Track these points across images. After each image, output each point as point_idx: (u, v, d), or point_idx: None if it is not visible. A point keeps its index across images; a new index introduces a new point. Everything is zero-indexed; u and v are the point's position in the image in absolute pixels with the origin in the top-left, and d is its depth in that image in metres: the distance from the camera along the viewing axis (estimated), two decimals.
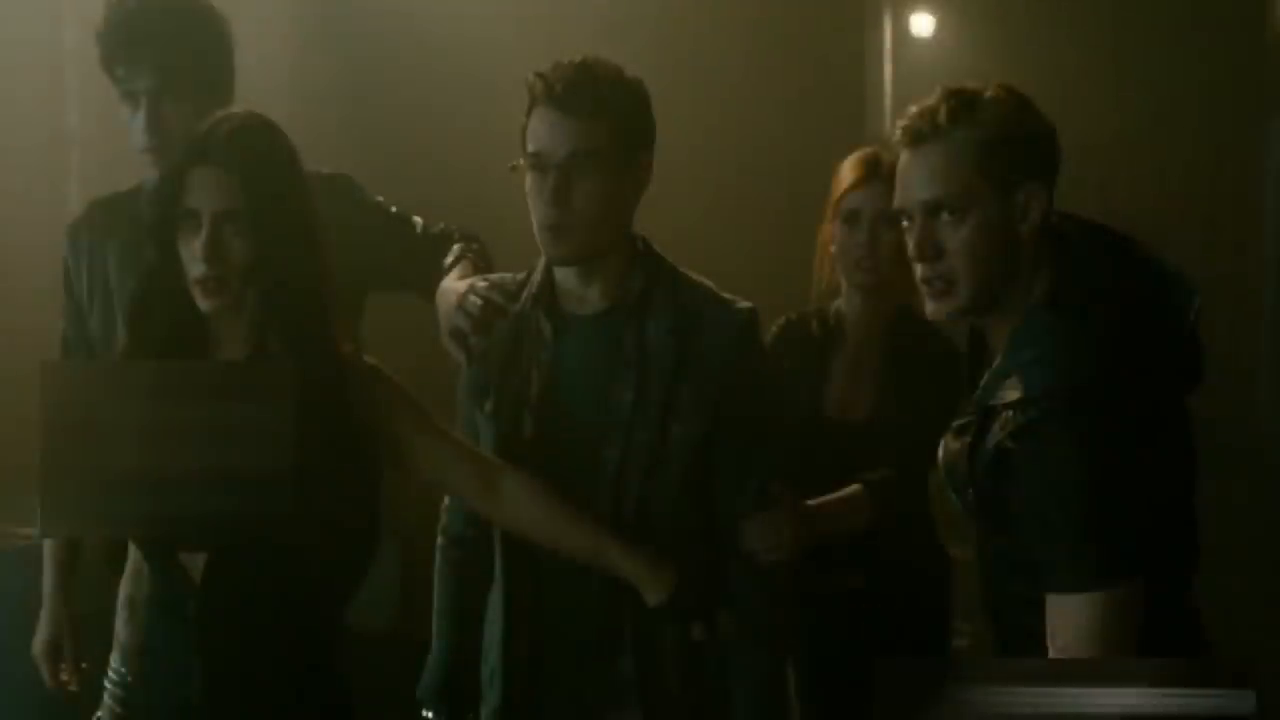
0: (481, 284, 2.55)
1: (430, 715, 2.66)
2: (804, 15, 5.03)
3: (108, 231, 2.90)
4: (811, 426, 3.03)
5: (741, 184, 4.93)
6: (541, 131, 2.39)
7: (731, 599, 2.48)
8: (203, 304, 2.23)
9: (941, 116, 2.13)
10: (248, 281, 2.23)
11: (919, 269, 2.18)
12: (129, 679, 2.77)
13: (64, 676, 3.05)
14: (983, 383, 2.20)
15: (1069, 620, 2.04)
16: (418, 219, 2.91)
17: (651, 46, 4.10)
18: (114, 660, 2.85)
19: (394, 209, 2.92)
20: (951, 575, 3.19)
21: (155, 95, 2.71)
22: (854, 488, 2.93)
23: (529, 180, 2.41)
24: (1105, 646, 2.02)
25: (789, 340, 3.13)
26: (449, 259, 2.73)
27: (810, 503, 2.78)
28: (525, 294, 2.53)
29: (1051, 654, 2.06)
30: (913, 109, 2.18)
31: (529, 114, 2.42)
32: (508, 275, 2.59)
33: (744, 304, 2.51)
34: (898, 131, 2.19)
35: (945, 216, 2.14)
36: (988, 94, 2.16)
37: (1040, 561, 2.08)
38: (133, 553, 2.48)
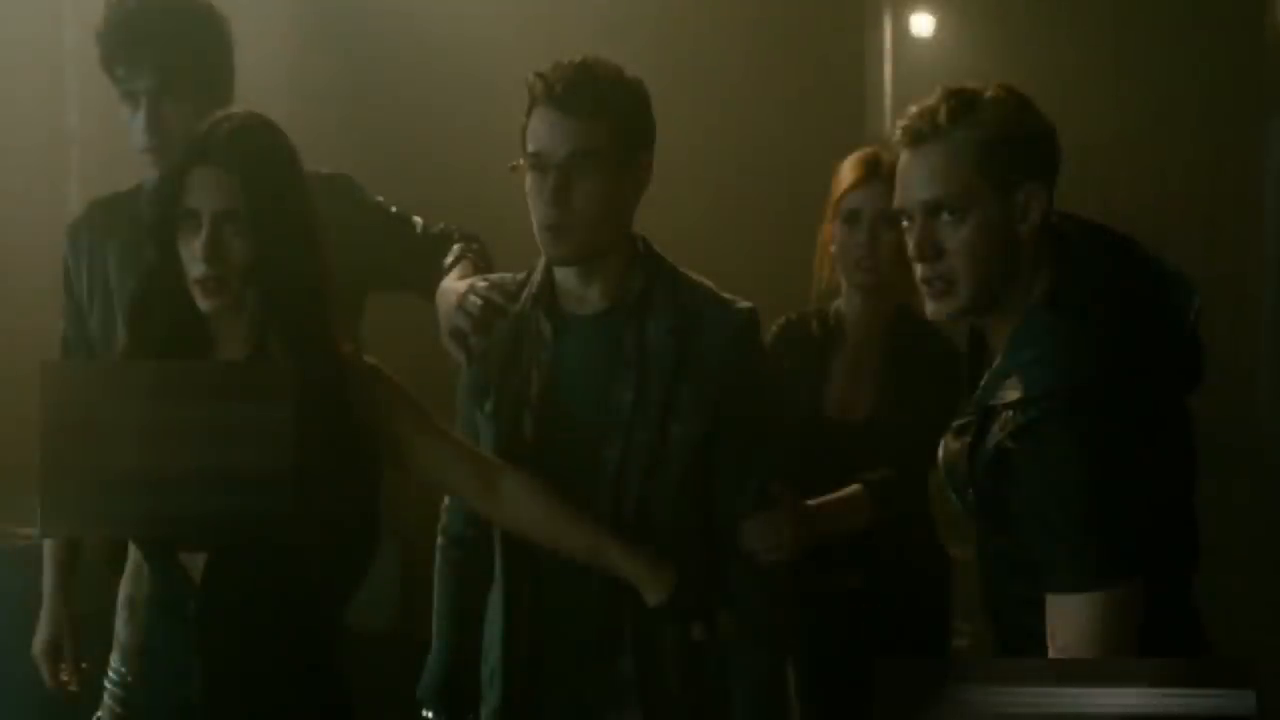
0: (481, 284, 2.55)
1: (430, 715, 2.66)
2: (804, 15, 5.04)
3: (108, 231, 2.90)
4: (811, 426, 3.03)
5: (741, 184, 4.93)
6: (541, 131, 2.39)
7: (731, 599, 2.48)
8: (203, 304, 2.23)
9: (941, 116, 2.13)
10: (248, 281, 2.23)
11: (919, 269, 2.18)
12: (129, 679, 2.78)
13: (64, 676, 3.05)
14: (983, 383, 2.20)
15: (1069, 620, 2.04)
16: (418, 219, 2.90)
17: (651, 46, 4.11)
18: (114, 660, 2.85)
19: (394, 209, 2.92)
20: (951, 575, 3.19)
21: (155, 95, 2.71)
22: (854, 488, 2.93)
23: (529, 180, 2.41)
24: (1105, 646, 2.02)
25: (789, 340, 3.13)
26: (449, 259, 2.73)
27: (810, 503, 2.78)
28: (525, 294, 2.53)
29: (1051, 654, 2.06)
30: (913, 109, 2.18)
31: (529, 114, 2.42)
32: (508, 275, 2.59)
33: (744, 304, 2.51)
34: (898, 131, 2.19)
35: (945, 216, 2.14)
36: (988, 94, 2.16)
37: (1040, 561, 2.08)
38: (133, 553, 2.48)
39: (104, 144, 4.03)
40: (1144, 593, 2.05)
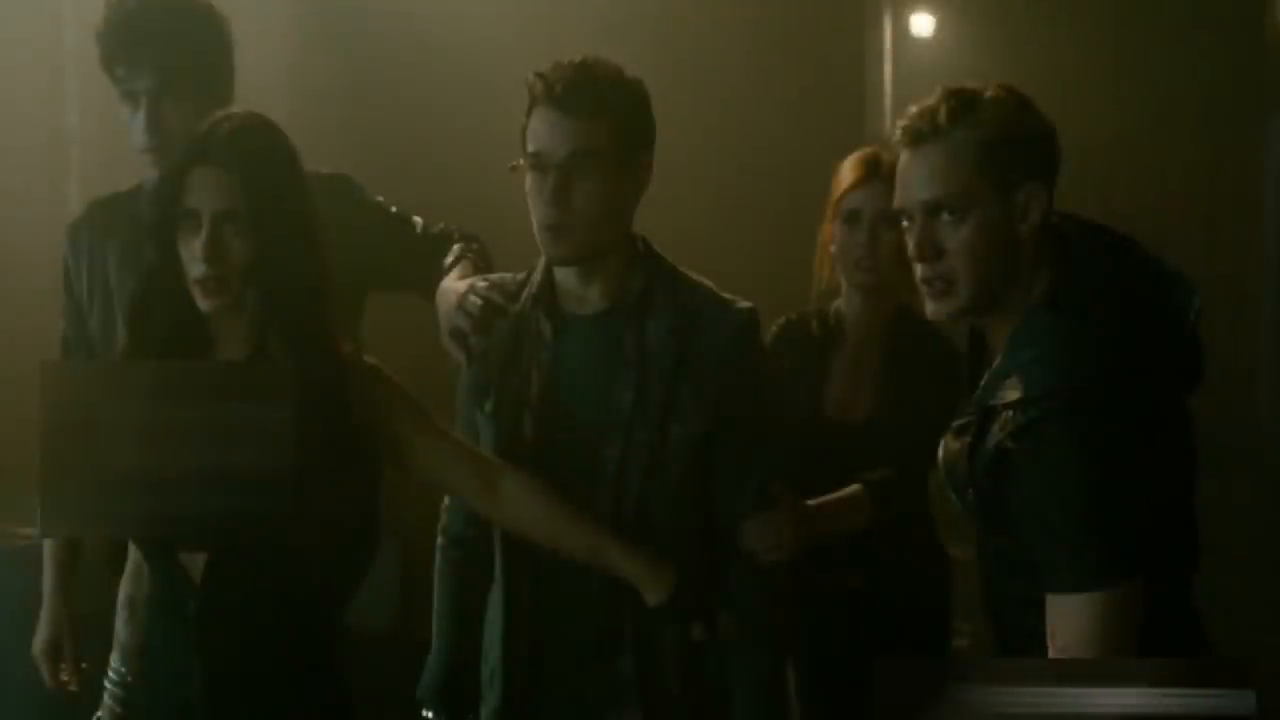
0: (481, 284, 2.55)
1: (430, 715, 2.66)
2: (804, 15, 5.04)
3: (108, 231, 2.90)
4: (811, 426, 3.03)
5: (741, 184, 4.93)
6: (541, 131, 2.39)
7: (731, 599, 2.48)
8: (203, 304, 2.23)
9: (941, 116, 2.13)
10: (248, 281, 2.23)
11: (919, 269, 2.18)
12: (129, 679, 2.78)
13: (64, 676, 3.05)
14: (983, 383, 2.20)
15: (1069, 620, 2.04)
16: (418, 219, 2.91)
17: (651, 46, 4.11)
18: (114, 660, 2.85)
19: (394, 209, 2.92)
20: (951, 575, 3.19)
21: (155, 95, 2.71)
22: (854, 488, 2.93)
23: (529, 180, 2.41)
24: (1105, 646, 2.02)
25: (789, 340, 3.13)
26: (449, 259, 2.73)
27: (810, 503, 2.78)
28: (525, 294, 2.53)
29: (1051, 654, 2.06)
30: (913, 109, 2.18)
31: (529, 114, 2.42)
32: (508, 275, 2.59)
33: (744, 304, 2.51)
34: (898, 131, 2.19)
35: (945, 216, 2.14)
36: (988, 94, 2.16)
37: (1040, 561, 2.08)
38: (133, 553, 2.48)
39: (104, 144, 4.03)
40: (1144, 593, 2.05)
